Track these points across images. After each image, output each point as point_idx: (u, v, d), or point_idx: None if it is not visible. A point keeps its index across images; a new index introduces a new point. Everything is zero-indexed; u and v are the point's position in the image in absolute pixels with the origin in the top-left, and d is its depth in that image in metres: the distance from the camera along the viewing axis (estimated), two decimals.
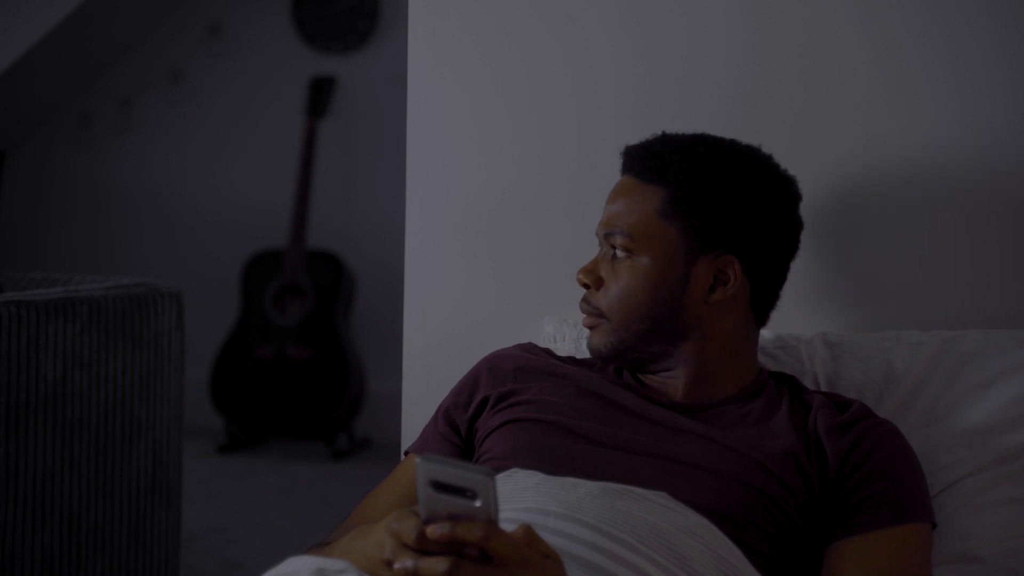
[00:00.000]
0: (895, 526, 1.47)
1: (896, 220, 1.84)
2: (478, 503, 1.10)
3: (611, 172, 1.90)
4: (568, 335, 1.89)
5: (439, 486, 1.11)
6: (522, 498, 1.36)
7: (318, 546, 1.46)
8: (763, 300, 1.65)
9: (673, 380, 1.63)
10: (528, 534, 1.16)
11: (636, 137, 1.69)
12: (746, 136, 1.71)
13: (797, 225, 1.66)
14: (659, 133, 1.68)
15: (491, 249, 2.02)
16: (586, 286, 1.64)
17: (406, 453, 1.74)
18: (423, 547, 1.14)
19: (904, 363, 1.72)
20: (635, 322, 1.60)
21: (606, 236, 1.63)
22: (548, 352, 1.74)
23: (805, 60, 1.87)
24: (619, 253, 1.61)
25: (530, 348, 1.74)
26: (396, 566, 1.15)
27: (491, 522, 1.11)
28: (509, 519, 1.30)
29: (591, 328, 1.64)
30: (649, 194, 1.60)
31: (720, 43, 1.90)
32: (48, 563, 2.36)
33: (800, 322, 1.84)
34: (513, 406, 1.62)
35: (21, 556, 2.31)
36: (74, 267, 4.89)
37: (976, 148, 1.80)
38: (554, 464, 1.50)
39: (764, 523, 1.47)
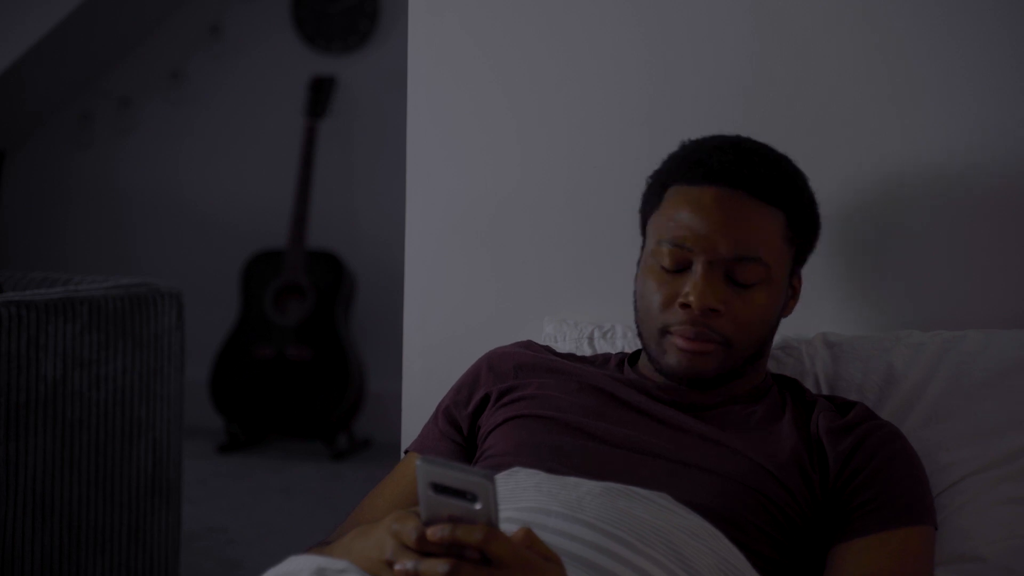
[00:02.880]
0: (897, 529, 1.47)
1: (895, 220, 1.84)
2: (478, 506, 1.10)
3: (612, 172, 1.90)
4: (568, 335, 1.88)
5: (439, 488, 1.11)
6: (523, 497, 1.36)
7: (318, 546, 1.46)
8: None
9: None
10: (528, 537, 1.15)
11: (638, 137, 1.69)
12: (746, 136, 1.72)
13: None
14: (733, 136, 1.64)
15: (491, 249, 2.02)
16: (714, 311, 1.52)
17: (406, 452, 1.74)
18: (424, 549, 1.14)
19: (905, 363, 1.72)
20: (751, 347, 1.57)
21: (730, 260, 1.53)
22: (547, 349, 1.74)
23: (806, 62, 1.87)
24: (742, 279, 1.53)
25: (529, 345, 1.73)
26: (396, 567, 1.15)
27: (491, 525, 1.11)
28: (510, 518, 1.30)
29: (700, 352, 1.53)
30: (772, 217, 1.55)
31: (722, 44, 1.90)
32: (48, 563, 2.36)
33: (801, 323, 1.84)
34: (515, 402, 1.62)
35: (21, 556, 2.31)
36: (74, 267, 4.89)
37: (976, 149, 1.80)
38: (556, 461, 1.50)
39: (765, 525, 1.47)
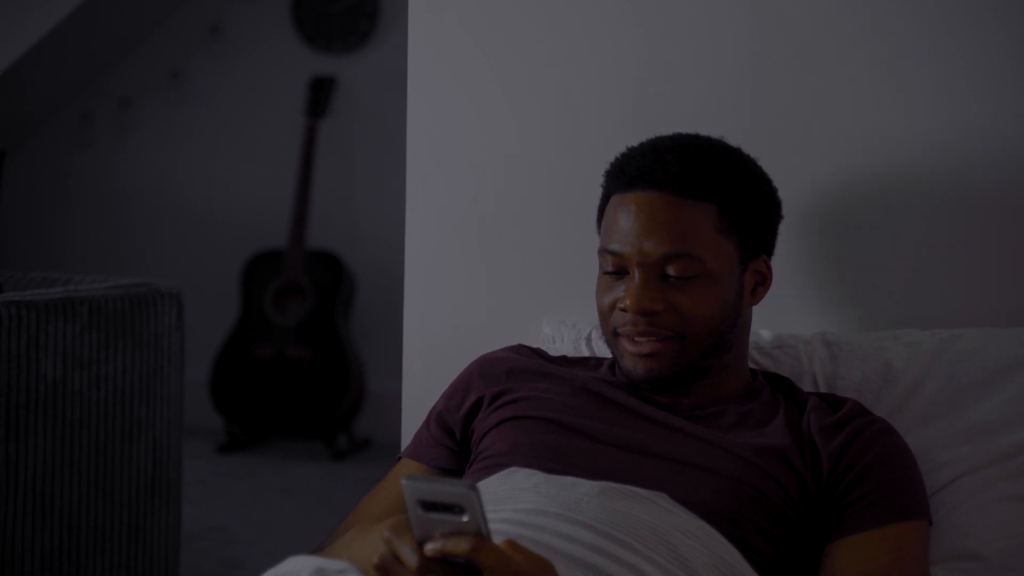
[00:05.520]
0: (891, 524, 1.47)
1: (894, 219, 1.84)
2: (465, 518, 1.12)
3: None
4: (567, 336, 1.89)
5: (427, 505, 1.13)
6: (520, 498, 1.36)
7: (315, 551, 1.46)
8: None
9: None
10: (511, 546, 1.16)
11: (638, 137, 1.69)
12: (748, 135, 1.72)
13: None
14: (648, 139, 1.66)
15: (491, 249, 2.02)
16: (652, 312, 1.55)
17: (399, 458, 1.73)
18: (424, 571, 1.15)
19: (902, 362, 1.72)
20: (705, 339, 1.57)
21: (658, 260, 1.55)
22: (539, 352, 1.74)
23: (806, 62, 1.87)
24: (678, 274, 1.55)
25: (519, 350, 1.73)
26: None
27: (480, 534, 1.13)
28: (508, 519, 1.30)
29: (650, 354, 1.56)
30: (700, 211, 1.56)
31: (722, 44, 1.90)
32: (48, 563, 2.36)
33: (798, 322, 1.84)
34: (509, 404, 1.62)
35: (21, 556, 2.31)
36: (75, 267, 4.89)
37: (974, 147, 1.80)
38: (553, 460, 1.51)
39: (762, 521, 1.47)
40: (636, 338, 1.56)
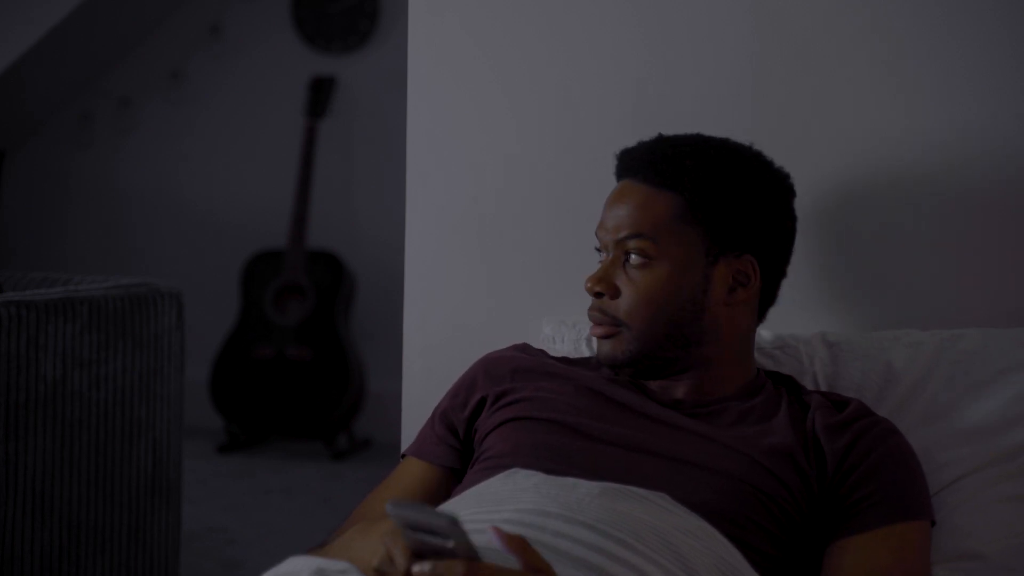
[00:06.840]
0: (894, 524, 1.47)
1: (895, 219, 1.84)
2: (451, 543, 1.13)
3: (613, 172, 1.90)
4: (567, 336, 1.89)
5: (416, 528, 1.14)
6: (521, 499, 1.36)
7: (316, 548, 1.46)
8: (770, 297, 1.67)
9: (676, 381, 1.63)
10: (520, 545, 1.16)
11: (638, 136, 1.69)
12: (748, 135, 1.71)
13: (795, 219, 1.68)
14: (654, 136, 1.68)
15: (491, 249, 2.02)
16: (599, 294, 1.60)
17: (403, 456, 1.74)
18: None
19: (903, 362, 1.72)
20: (657, 328, 1.58)
21: (619, 241, 1.59)
22: (543, 352, 1.74)
23: (806, 62, 1.87)
24: (634, 259, 1.58)
25: (525, 348, 1.74)
26: None
27: (471, 559, 1.13)
28: (509, 520, 1.30)
29: (605, 337, 1.60)
30: (664, 200, 1.59)
31: (722, 43, 1.90)
32: (48, 563, 2.36)
33: (799, 322, 1.84)
34: (512, 404, 1.63)
35: (21, 556, 2.31)
36: (74, 267, 4.89)
37: (974, 147, 1.80)
38: (554, 461, 1.51)
39: (764, 521, 1.47)
40: (594, 322, 1.62)
